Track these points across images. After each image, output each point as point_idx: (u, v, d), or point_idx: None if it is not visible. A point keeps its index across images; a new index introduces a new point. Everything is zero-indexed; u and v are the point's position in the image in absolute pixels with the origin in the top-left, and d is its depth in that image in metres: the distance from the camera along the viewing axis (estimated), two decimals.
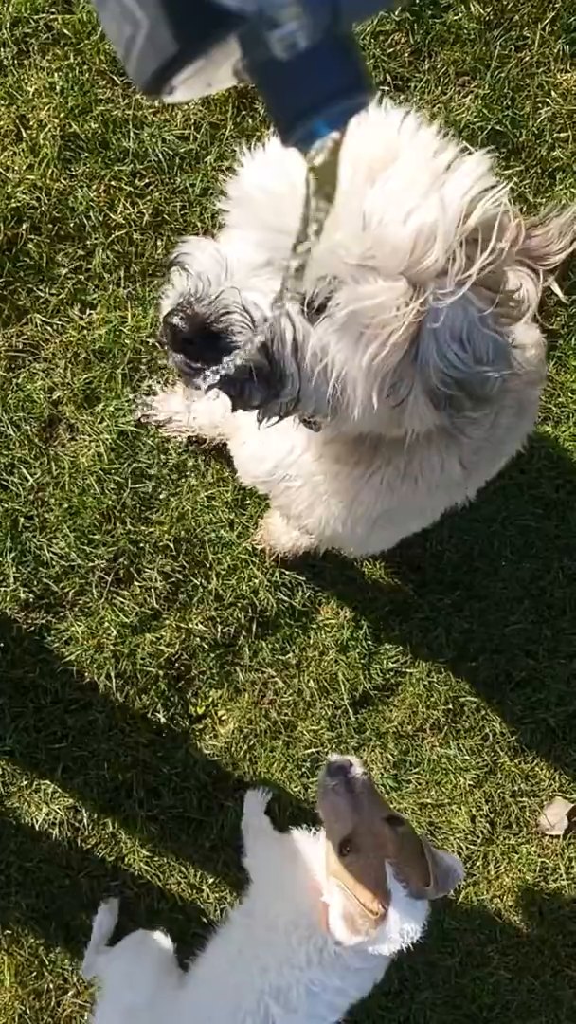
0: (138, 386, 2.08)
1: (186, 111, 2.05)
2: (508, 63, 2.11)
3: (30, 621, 2.08)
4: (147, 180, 2.06)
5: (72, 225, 2.05)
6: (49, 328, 2.06)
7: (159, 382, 2.08)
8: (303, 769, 2.15)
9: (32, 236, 2.04)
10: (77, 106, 2.03)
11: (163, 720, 2.11)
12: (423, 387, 0.99)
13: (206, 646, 2.12)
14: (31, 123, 2.03)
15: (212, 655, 2.12)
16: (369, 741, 2.19)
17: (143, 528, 2.09)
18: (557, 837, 2.24)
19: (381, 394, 0.99)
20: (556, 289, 2.07)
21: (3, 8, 2.02)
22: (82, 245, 2.06)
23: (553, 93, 2.12)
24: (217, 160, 2.06)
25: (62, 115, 2.02)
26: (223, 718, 2.15)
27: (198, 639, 2.11)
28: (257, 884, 1.80)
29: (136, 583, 2.10)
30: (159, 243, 2.07)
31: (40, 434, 2.07)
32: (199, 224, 2.07)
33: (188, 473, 2.10)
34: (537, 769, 2.24)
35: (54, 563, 2.07)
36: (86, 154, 2.04)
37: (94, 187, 2.04)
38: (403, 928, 1.43)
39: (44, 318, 2.05)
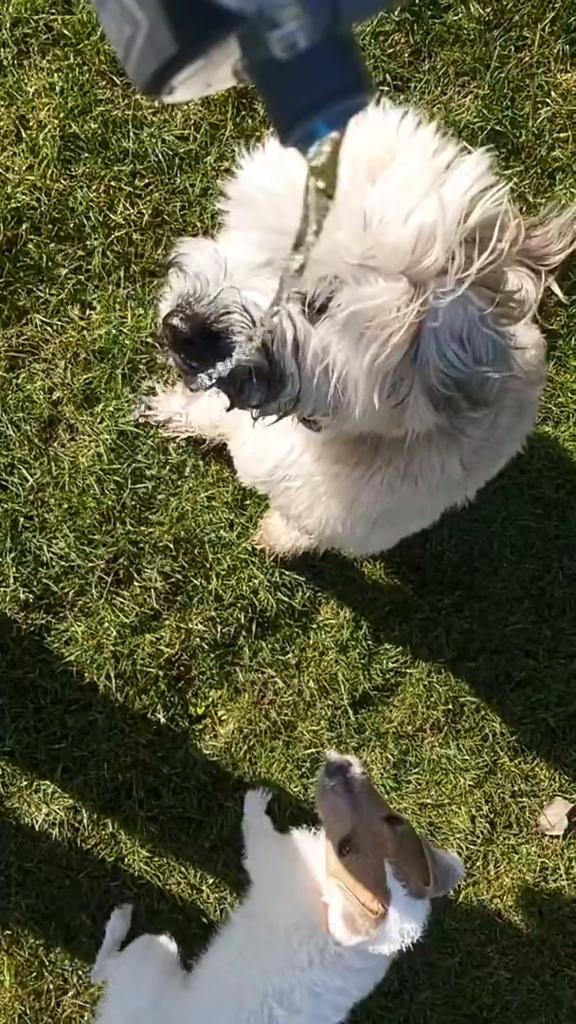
0: (138, 386, 2.08)
1: (186, 111, 2.05)
2: (508, 63, 2.11)
3: (30, 621, 2.08)
4: (147, 180, 2.06)
5: (72, 225, 2.05)
6: (49, 328, 2.06)
7: (159, 382, 2.08)
8: (303, 769, 2.15)
9: (32, 236, 2.04)
10: (77, 106, 2.03)
11: (163, 720, 2.11)
12: (423, 387, 0.99)
13: (206, 646, 2.12)
14: (31, 123, 2.03)
15: (212, 655, 2.12)
16: (369, 741, 2.19)
17: (143, 528, 2.09)
18: (557, 837, 2.24)
19: (382, 394, 0.99)
20: (556, 289, 2.07)
21: (3, 8, 2.02)
22: (82, 245, 2.06)
23: (553, 93, 2.12)
24: (217, 160, 2.06)
25: (62, 115, 2.03)
26: (223, 718, 2.15)
27: (198, 639, 2.11)
28: (258, 885, 1.79)
29: (136, 583, 2.10)
30: (159, 243, 2.07)
31: (40, 434, 2.07)
32: (199, 224, 2.07)
33: (188, 473, 2.10)
34: (537, 769, 2.24)
35: (54, 563, 2.07)
36: (86, 154, 2.04)
37: (94, 187, 2.04)
38: (403, 927, 1.43)
39: (44, 318, 2.05)
